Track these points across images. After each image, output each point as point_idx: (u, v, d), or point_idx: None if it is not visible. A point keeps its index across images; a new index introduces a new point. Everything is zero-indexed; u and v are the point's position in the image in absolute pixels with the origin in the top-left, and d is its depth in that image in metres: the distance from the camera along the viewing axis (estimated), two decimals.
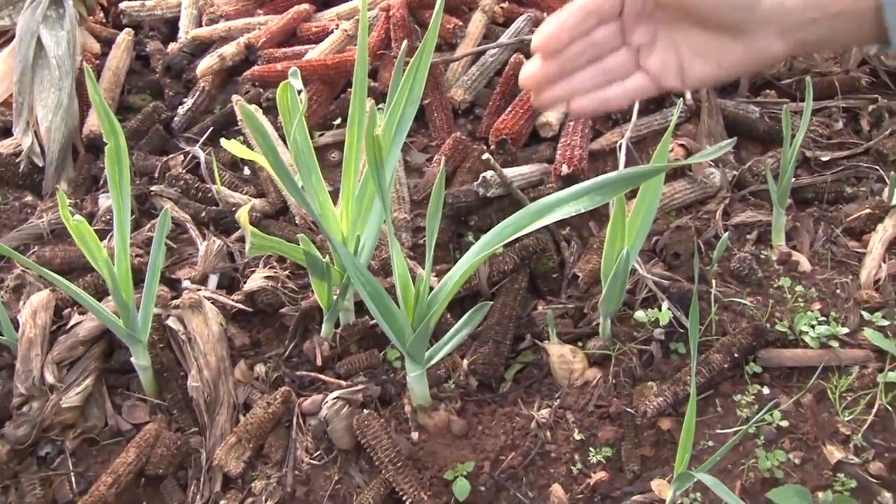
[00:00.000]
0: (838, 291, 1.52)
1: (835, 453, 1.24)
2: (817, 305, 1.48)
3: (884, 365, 1.36)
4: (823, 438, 1.27)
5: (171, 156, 1.76)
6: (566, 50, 0.77)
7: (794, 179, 1.76)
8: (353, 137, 1.22)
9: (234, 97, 1.82)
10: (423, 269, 1.54)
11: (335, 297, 1.36)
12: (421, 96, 1.26)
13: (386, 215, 1.07)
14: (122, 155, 1.17)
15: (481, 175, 1.58)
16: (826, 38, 0.76)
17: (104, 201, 1.66)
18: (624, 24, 0.76)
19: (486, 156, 1.54)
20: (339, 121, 1.82)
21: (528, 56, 1.89)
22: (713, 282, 1.53)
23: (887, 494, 1.20)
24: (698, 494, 1.24)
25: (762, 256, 1.62)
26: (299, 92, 1.09)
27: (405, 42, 1.30)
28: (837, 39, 0.77)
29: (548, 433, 1.33)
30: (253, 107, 1.75)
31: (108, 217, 1.60)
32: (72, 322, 1.42)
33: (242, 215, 0.89)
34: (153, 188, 1.66)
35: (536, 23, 2.02)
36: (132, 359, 1.34)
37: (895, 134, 1.87)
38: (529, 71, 0.79)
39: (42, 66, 1.85)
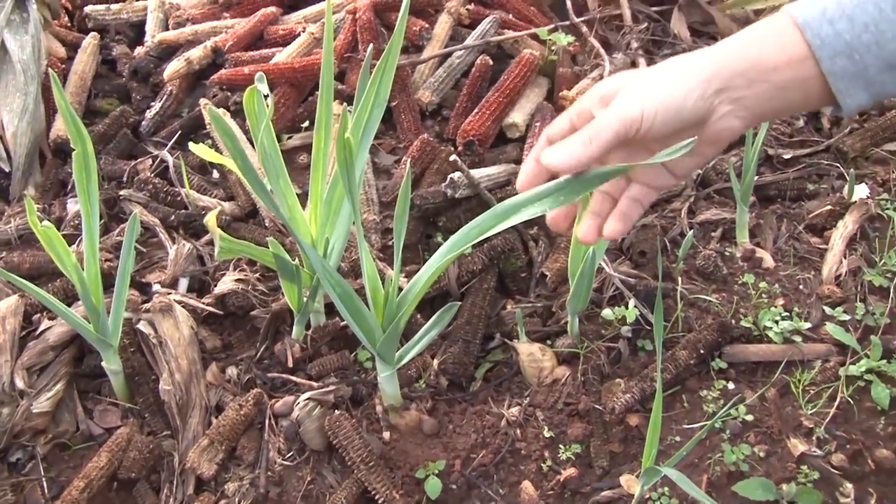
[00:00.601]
0: (801, 287, 1.56)
1: (798, 446, 1.27)
2: (781, 301, 1.51)
3: (845, 359, 1.39)
4: (787, 432, 1.30)
5: (139, 160, 1.76)
6: None
7: (757, 177, 1.80)
8: (320, 141, 1.23)
9: (202, 101, 1.82)
10: (391, 270, 1.55)
11: (305, 300, 1.37)
12: (388, 99, 1.27)
13: (355, 217, 1.09)
14: (90, 160, 1.17)
15: (449, 176, 1.60)
16: (779, 108, 0.81)
17: (73, 206, 1.66)
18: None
19: (453, 157, 1.56)
20: (307, 123, 1.83)
21: (494, 58, 1.92)
22: (679, 279, 1.56)
23: (849, 485, 1.23)
24: (666, 489, 1.26)
25: (727, 253, 1.65)
26: (266, 96, 1.10)
27: (371, 45, 1.31)
28: (790, 107, 0.81)
29: (518, 431, 1.35)
30: (221, 110, 1.76)
31: (77, 222, 1.60)
32: (42, 327, 1.42)
33: (211, 220, 0.89)
34: (122, 192, 1.66)
35: (502, 24, 2.05)
36: (103, 363, 1.34)
37: (854, 132, 1.91)
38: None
39: (7, 71, 1.84)
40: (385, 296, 1.20)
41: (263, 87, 1.08)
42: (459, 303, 1.24)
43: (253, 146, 1.78)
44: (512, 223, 1.06)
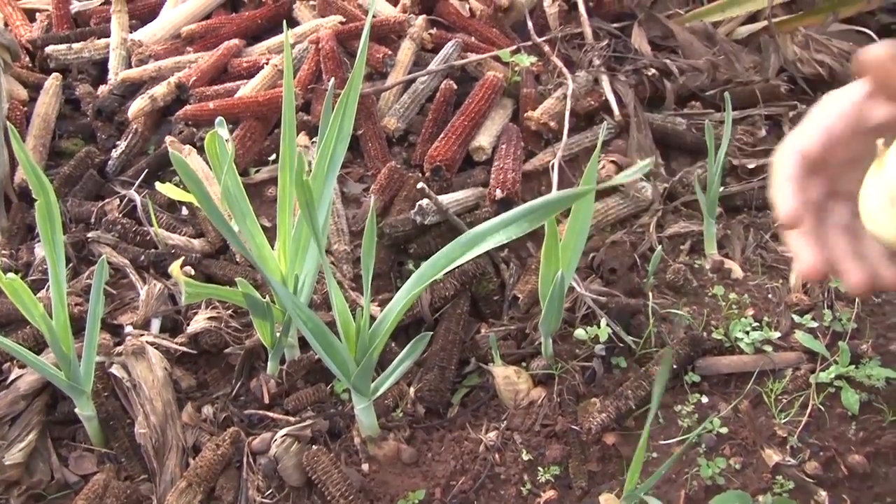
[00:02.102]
0: (770, 296, 1.58)
1: (773, 456, 1.28)
2: (750, 311, 1.53)
3: (815, 366, 1.41)
4: (761, 442, 1.32)
5: (106, 200, 1.75)
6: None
7: (722, 188, 1.82)
8: (285, 178, 1.24)
9: (168, 138, 1.82)
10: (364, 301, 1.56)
11: (278, 335, 1.37)
12: (351, 130, 1.28)
13: (321, 256, 1.09)
14: (53, 209, 1.17)
15: (417, 203, 1.61)
16: None
17: (40, 251, 1.65)
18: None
19: (420, 185, 1.57)
20: (274, 156, 1.83)
21: (458, 81, 1.94)
22: (650, 294, 1.57)
23: (823, 493, 1.25)
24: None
25: (696, 266, 1.67)
26: (227, 140, 1.10)
27: (333, 77, 1.32)
28: None
29: (496, 455, 1.35)
30: (187, 148, 1.76)
31: (45, 266, 1.59)
32: (12, 376, 1.41)
33: (175, 270, 0.90)
34: (90, 235, 1.65)
35: (465, 47, 2.06)
36: (76, 410, 1.34)
37: None
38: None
39: None
40: (356, 328, 1.21)
41: (223, 132, 1.09)
42: (431, 333, 1.25)
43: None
44: (478, 252, 1.08)
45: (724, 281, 1.63)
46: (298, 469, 1.29)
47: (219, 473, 1.32)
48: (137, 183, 1.79)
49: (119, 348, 1.42)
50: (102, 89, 2.03)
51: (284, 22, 1.37)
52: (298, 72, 1.98)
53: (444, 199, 1.64)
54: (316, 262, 1.35)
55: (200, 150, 1.83)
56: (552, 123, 1.86)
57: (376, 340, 1.19)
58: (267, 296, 1.32)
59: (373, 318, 1.24)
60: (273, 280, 1.14)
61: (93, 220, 1.72)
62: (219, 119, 1.11)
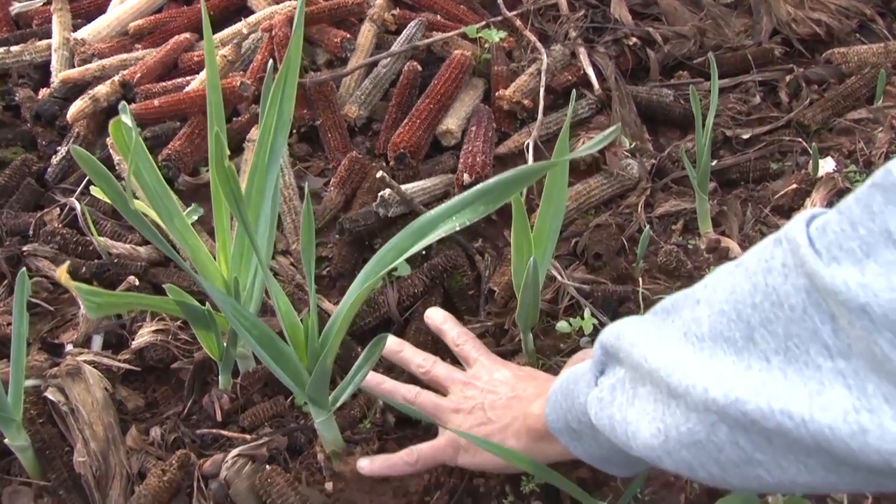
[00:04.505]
0: None
1: None
2: None
3: None
4: None
5: (45, 210, 1.66)
6: None
7: (716, 161, 1.73)
8: (214, 172, 1.14)
9: (109, 140, 1.72)
10: (328, 303, 1.46)
11: (226, 346, 1.27)
12: (292, 115, 1.19)
13: (256, 252, 1.00)
14: None
15: (379, 194, 1.51)
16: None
17: None
18: None
19: (379, 174, 1.47)
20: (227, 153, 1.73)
21: (423, 63, 1.85)
22: (640, 279, 1.48)
23: None
24: None
25: (690, 246, 1.58)
26: (141, 134, 1.01)
27: (271, 60, 1.23)
28: None
29: None
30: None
31: None
32: None
33: (61, 274, 0.80)
34: (25, 248, 1.56)
35: (430, 26, 1.97)
36: (6, 440, 1.24)
37: (815, 103, 1.84)
38: None
39: None
40: (305, 333, 1.11)
41: (127, 118, 0.99)
42: (388, 334, 1.15)
43: (169, 183, 1.69)
44: (431, 240, 1.00)
45: (722, 261, 1.52)
46: (252, 493, 1.20)
47: (166, 502, 1.22)
48: (79, 190, 1.70)
49: (53, 370, 1.33)
50: (43, 92, 1.94)
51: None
52: (252, 63, 1.89)
53: (409, 187, 1.54)
54: (267, 262, 1.26)
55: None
56: (526, 101, 1.77)
57: (328, 345, 1.09)
58: (207, 302, 1.22)
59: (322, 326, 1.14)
60: (206, 284, 1.04)
61: (31, 231, 1.62)
62: (122, 104, 1.02)
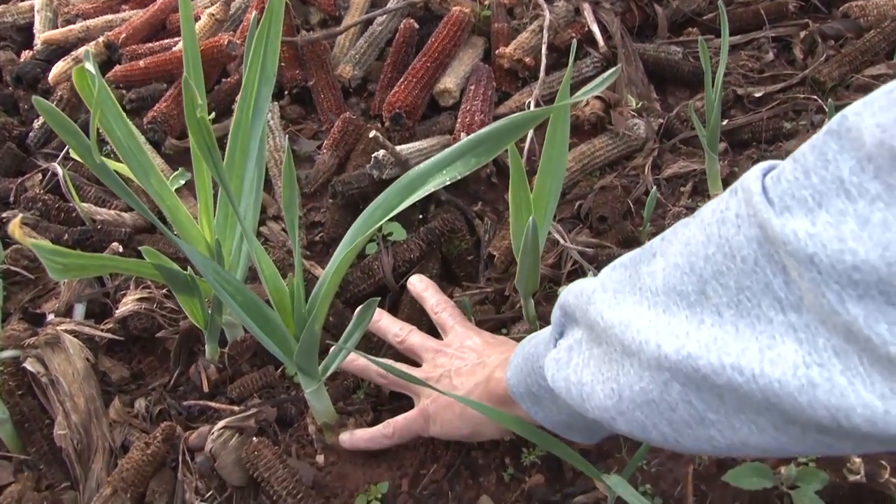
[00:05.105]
0: None
1: None
2: None
3: None
4: None
5: (27, 175, 1.61)
6: None
7: (727, 121, 1.67)
8: (193, 127, 1.08)
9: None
10: (320, 269, 1.41)
11: (210, 312, 1.22)
12: (276, 69, 1.13)
13: (234, 211, 0.94)
14: None
15: (373, 156, 1.45)
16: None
17: None
18: None
19: (373, 133, 1.41)
20: (213, 115, 1.68)
21: (421, 21, 1.78)
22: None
23: (857, 460, 1.09)
24: (649, 486, 1.13)
25: (699, 208, 1.51)
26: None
27: (255, 12, 1.17)
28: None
29: None
30: None
31: None
32: None
33: (14, 229, 0.74)
34: (4, 215, 1.51)
35: None
36: None
37: (831, 59, 1.77)
38: None
39: None
40: (290, 298, 1.06)
41: (90, 66, 0.93)
42: (378, 299, 1.10)
43: (156, 147, 1.64)
44: (420, 196, 0.95)
45: None
46: (238, 465, 1.15)
47: (150, 476, 1.18)
48: (62, 155, 1.64)
49: (32, 340, 1.28)
50: (25, 55, 1.88)
51: None
52: (242, 22, 1.83)
53: (405, 148, 1.48)
54: (253, 224, 1.21)
55: (132, 114, 1.68)
56: (528, 60, 1.70)
57: (314, 310, 1.04)
58: (190, 268, 1.17)
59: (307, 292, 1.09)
60: (185, 246, 0.99)
61: (11, 198, 1.57)
62: (85, 51, 0.96)
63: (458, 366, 1.14)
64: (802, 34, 1.86)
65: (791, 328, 0.56)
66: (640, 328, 0.67)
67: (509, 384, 0.98)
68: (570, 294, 0.83)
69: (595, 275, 1.34)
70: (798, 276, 0.54)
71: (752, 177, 0.59)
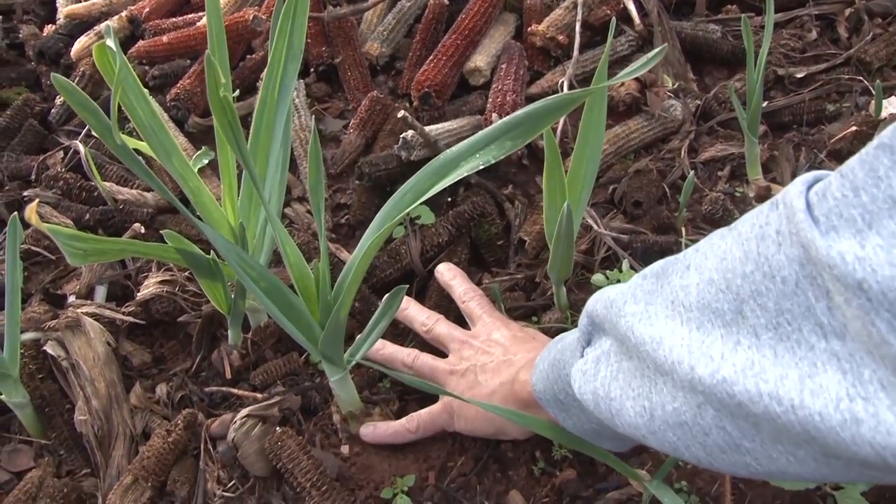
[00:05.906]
0: None
1: None
2: None
3: None
4: None
5: (48, 153, 1.59)
6: None
7: (767, 102, 1.62)
8: (217, 106, 1.05)
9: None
10: (346, 253, 1.38)
11: (234, 297, 1.20)
12: (303, 46, 1.10)
13: (258, 192, 0.91)
14: None
15: (401, 136, 1.42)
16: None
17: None
18: None
19: (401, 113, 1.38)
20: (237, 92, 1.65)
21: None
22: (683, 230, 1.38)
23: None
24: (684, 483, 1.10)
25: (737, 194, 1.48)
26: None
27: None
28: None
29: None
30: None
31: None
32: None
33: (31, 215, 0.72)
34: (26, 193, 1.49)
35: None
36: (2, 396, 1.18)
37: (878, 38, 1.71)
38: None
39: None
40: (316, 284, 1.03)
41: (111, 42, 0.90)
42: (406, 286, 1.07)
43: (179, 125, 1.62)
44: (452, 180, 0.91)
45: None
46: (262, 456, 1.13)
47: (171, 464, 1.16)
48: (84, 132, 1.62)
49: (53, 322, 1.26)
50: (48, 29, 1.86)
51: None
52: None
53: (434, 129, 1.45)
54: (277, 207, 1.18)
55: (154, 91, 1.66)
56: (561, 37, 1.66)
57: (340, 298, 1.01)
58: (213, 252, 1.14)
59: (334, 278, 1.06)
60: (208, 230, 0.96)
61: (33, 176, 1.55)
62: (106, 26, 0.93)
63: (484, 361, 1.12)
64: (847, 11, 1.80)
65: (834, 356, 0.52)
66: (673, 346, 0.64)
67: (535, 389, 0.96)
68: (598, 303, 0.80)
69: (629, 263, 1.31)
70: (844, 301, 0.50)
71: (794, 191, 0.55)
